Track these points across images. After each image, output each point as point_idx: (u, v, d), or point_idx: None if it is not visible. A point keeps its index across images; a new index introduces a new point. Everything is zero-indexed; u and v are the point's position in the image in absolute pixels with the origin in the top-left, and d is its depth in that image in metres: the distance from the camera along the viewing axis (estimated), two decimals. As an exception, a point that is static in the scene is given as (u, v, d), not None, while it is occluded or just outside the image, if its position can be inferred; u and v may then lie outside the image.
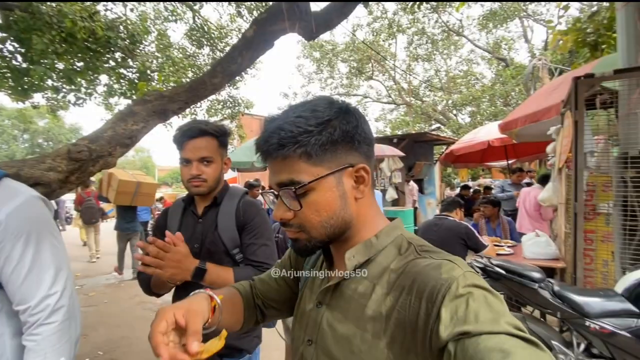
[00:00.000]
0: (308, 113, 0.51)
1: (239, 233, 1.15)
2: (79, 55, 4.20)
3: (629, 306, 1.57)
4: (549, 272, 2.55)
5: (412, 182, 7.66)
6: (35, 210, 0.83)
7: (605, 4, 3.78)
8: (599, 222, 2.37)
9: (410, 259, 0.50)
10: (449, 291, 0.42)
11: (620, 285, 1.67)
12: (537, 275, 1.80)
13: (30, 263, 0.79)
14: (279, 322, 2.18)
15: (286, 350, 2.30)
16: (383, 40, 15.03)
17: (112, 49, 4.52)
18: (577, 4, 4.66)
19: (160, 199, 11.21)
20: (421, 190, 8.20)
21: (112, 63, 4.91)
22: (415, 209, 7.40)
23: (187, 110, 5.54)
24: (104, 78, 5.26)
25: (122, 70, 5.09)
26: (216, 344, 0.52)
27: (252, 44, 2.46)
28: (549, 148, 3.05)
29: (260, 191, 4.90)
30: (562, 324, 2.00)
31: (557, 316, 1.74)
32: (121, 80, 5.19)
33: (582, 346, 1.71)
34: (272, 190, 0.55)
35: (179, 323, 0.50)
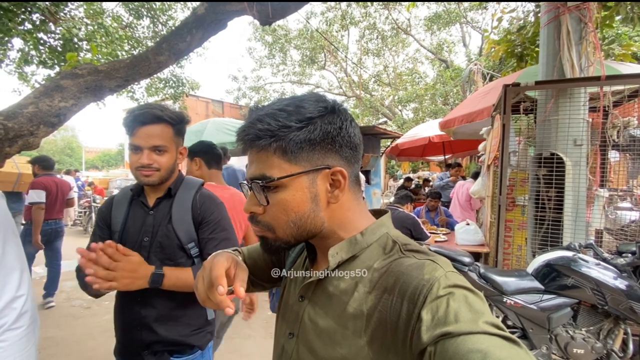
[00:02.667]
0: (292, 108, 0.49)
1: (196, 227, 1.11)
2: (-16, 12, 3.51)
3: (536, 284, 1.86)
4: (476, 256, 2.90)
5: (360, 173, 7.98)
6: (1, 210, 0.75)
7: (531, 19, 4.28)
8: (516, 213, 2.74)
9: (394, 258, 0.50)
10: (430, 292, 0.42)
11: (531, 266, 1.98)
12: (467, 259, 2.03)
13: None
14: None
15: None
16: (336, 31, 15.11)
17: (29, 9, 3.86)
18: (508, 16, 5.19)
19: (91, 185, 10.09)
20: (367, 181, 8.57)
21: (29, 25, 4.20)
22: (362, 198, 7.76)
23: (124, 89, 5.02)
24: (17, 42, 4.50)
25: (41, 35, 4.38)
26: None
27: (204, 22, 2.29)
28: (480, 146, 3.41)
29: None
30: (484, 301, 2.29)
31: (481, 295, 2.00)
32: (40, 47, 4.47)
33: (500, 319, 1.99)
34: (246, 182, 0.54)
35: (229, 273, 0.57)
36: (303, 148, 0.49)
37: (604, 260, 1.83)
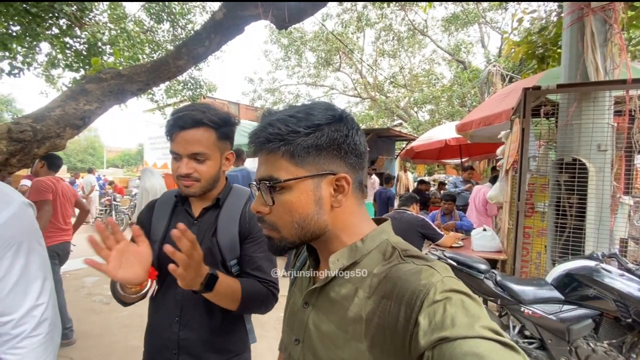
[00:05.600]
0: (302, 115, 0.52)
1: (241, 241, 1.00)
2: (16, 18, 3.69)
3: (556, 294, 1.80)
4: (493, 263, 2.83)
5: (374, 176, 7.93)
6: (27, 219, 0.78)
7: (553, 19, 4.15)
8: (535, 219, 2.66)
9: (394, 264, 0.51)
10: (427, 297, 0.43)
11: (550, 275, 1.91)
12: (483, 267, 1.99)
13: (19, 274, 0.74)
14: None
15: None
16: (352, 33, 15.08)
17: (57, 14, 4.04)
18: (529, 17, 5.05)
19: (111, 184, 10.42)
20: (381, 184, 8.50)
21: (56, 30, 4.40)
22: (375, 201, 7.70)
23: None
24: (45, 47, 4.73)
25: (67, 40, 4.58)
26: None
27: (222, 27, 2.34)
28: (498, 150, 3.33)
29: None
30: (501, 309, 2.24)
31: (497, 303, 1.95)
32: (66, 51, 4.67)
33: (517, 328, 1.94)
34: (255, 183, 0.57)
35: None
36: (310, 153, 0.52)
37: (629, 270, 1.76)
